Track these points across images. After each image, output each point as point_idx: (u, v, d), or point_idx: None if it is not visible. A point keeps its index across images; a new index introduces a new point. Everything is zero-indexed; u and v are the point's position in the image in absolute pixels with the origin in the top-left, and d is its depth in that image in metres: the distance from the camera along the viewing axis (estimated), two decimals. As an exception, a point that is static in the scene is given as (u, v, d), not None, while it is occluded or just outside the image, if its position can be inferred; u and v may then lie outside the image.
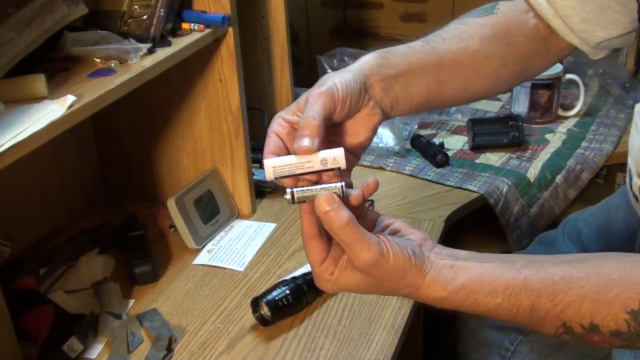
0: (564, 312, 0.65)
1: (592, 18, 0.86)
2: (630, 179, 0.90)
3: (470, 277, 0.67)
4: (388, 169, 1.37)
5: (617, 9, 0.85)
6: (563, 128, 1.48)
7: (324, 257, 0.67)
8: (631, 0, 0.84)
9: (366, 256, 0.64)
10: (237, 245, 1.17)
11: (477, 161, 1.38)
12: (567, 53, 0.92)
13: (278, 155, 0.66)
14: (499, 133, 1.41)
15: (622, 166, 1.42)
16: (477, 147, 1.41)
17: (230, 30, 1.09)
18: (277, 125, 0.69)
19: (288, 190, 0.64)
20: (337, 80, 0.69)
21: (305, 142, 0.64)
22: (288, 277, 1.03)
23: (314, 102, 0.67)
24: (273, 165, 0.64)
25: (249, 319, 0.99)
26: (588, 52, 0.90)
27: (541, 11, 0.87)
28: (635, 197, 0.90)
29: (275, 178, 0.64)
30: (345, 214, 0.63)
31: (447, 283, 0.67)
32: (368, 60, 0.75)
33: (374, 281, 0.66)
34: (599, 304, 0.65)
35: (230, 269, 1.11)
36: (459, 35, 0.85)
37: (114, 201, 1.31)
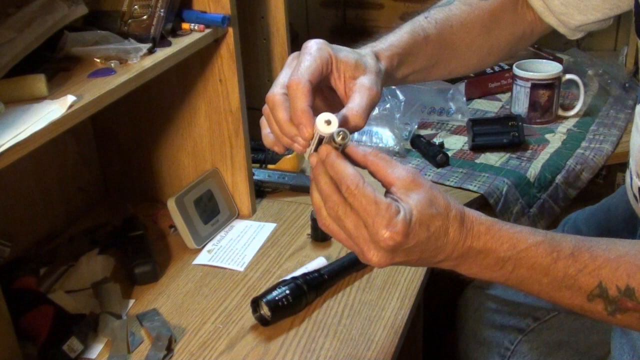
0: (601, 269, 0.64)
1: (572, 2, 0.87)
2: (631, 179, 0.90)
3: (508, 222, 0.67)
4: (388, 169, 1.37)
5: None
6: (563, 128, 1.48)
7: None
8: None
9: (408, 167, 0.65)
10: (237, 245, 1.17)
11: (477, 161, 1.38)
12: (545, 33, 0.95)
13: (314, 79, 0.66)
14: (499, 133, 1.41)
15: (622, 166, 1.42)
16: (477, 147, 1.41)
17: (230, 30, 1.09)
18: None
19: (339, 131, 0.63)
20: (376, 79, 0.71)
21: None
22: (288, 277, 1.03)
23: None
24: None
25: (249, 319, 0.99)
26: (565, 33, 0.93)
27: None
28: (635, 197, 0.90)
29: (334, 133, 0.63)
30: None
31: (488, 216, 0.66)
32: (387, 65, 0.77)
33: (427, 194, 0.63)
34: (636, 267, 0.64)
35: (230, 269, 1.11)
36: (463, 22, 0.87)
37: (114, 201, 1.31)
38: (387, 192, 0.65)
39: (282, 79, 0.68)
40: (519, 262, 0.65)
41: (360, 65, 0.70)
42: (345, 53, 0.70)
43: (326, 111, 0.70)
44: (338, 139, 0.63)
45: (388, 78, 0.77)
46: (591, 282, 0.65)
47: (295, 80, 0.65)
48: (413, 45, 0.81)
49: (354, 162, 0.65)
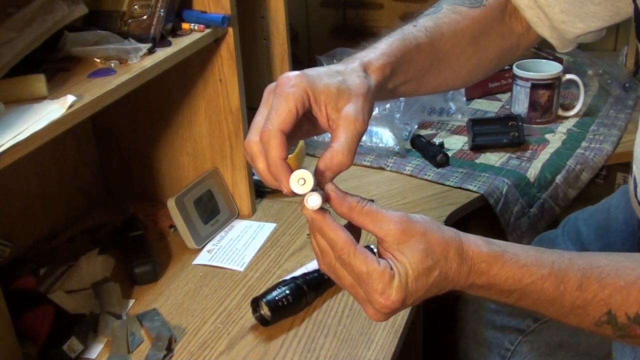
0: (611, 297, 0.63)
1: (572, 9, 0.86)
2: (635, 186, 0.89)
3: (513, 246, 0.64)
4: (388, 169, 1.37)
5: (597, 0, 0.85)
6: (563, 128, 1.48)
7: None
8: None
9: (395, 216, 0.62)
10: (237, 245, 1.17)
11: (477, 161, 1.37)
12: (532, 46, 0.94)
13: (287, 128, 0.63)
14: (499, 133, 1.41)
15: (622, 166, 1.42)
16: (477, 147, 1.41)
17: (230, 30, 1.09)
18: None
19: (313, 197, 0.61)
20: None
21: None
22: (288, 277, 1.03)
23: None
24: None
25: (249, 319, 0.99)
26: (557, 45, 0.91)
27: (515, 1, 0.87)
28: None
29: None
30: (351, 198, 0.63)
31: (491, 242, 0.64)
32: (378, 76, 0.72)
33: (421, 244, 0.61)
34: None
35: (230, 269, 1.11)
36: (453, 31, 0.84)
37: (114, 201, 1.31)
38: (380, 246, 0.63)
39: (258, 122, 0.65)
40: (524, 295, 0.64)
41: (344, 92, 0.65)
42: (325, 81, 0.65)
43: (317, 132, 0.70)
44: (312, 206, 0.61)
45: (379, 91, 0.73)
46: (599, 310, 0.63)
47: (266, 132, 0.62)
48: (405, 52, 0.77)
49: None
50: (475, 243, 0.64)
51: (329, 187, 0.63)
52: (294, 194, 0.62)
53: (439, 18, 0.84)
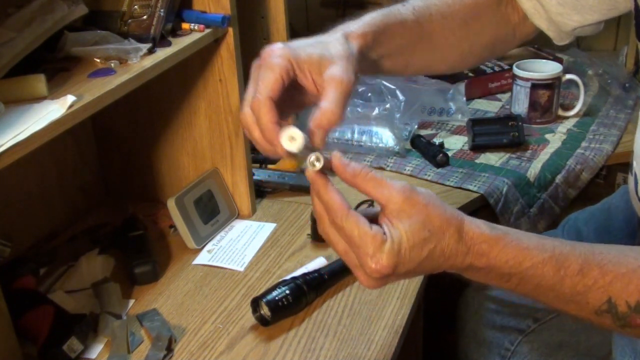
0: (612, 284, 0.62)
1: (569, 2, 0.87)
2: (636, 183, 0.89)
3: (515, 231, 0.64)
4: (388, 169, 1.37)
5: None
6: (563, 128, 1.48)
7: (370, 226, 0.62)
8: None
9: (399, 184, 0.63)
10: (237, 245, 1.17)
11: (477, 161, 1.37)
12: (530, 37, 0.94)
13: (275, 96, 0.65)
14: (499, 133, 1.41)
15: (622, 166, 1.42)
16: (477, 147, 1.41)
17: (230, 30, 1.09)
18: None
19: (314, 157, 0.63)
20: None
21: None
22: (288, 277, 1.03)
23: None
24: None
25: (249, 319, 0.99)
26: (554, 37, 0.92)
27: None
28: None
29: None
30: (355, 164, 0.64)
31: (493, 226, 0.64)
32: (360, 42, 0.74)
33: (421, 215, 0.62)
34: None
35: (230, 269, 1.11)
36: (443, 12, 0.86)
37: (114, 201, 1.31)
38: (381, 212, 0.64)
39: (249, 95, 0.68)
40: (523, 279, 0.64)
41: (326, 58, 0.68)
42: (308, 50, 0.68)
43: (308, 102, 0.71)
44: (313, 167, 0.63)
45: (363, 59, 0.74)
46: (600, 298, 0.63)
47: (255, 101, 0.65)
48: (387, 24, 0.79)
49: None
50: (477, 225, 0.64)
51: (334, 154, 0.64)
52: (289, 155, 0.64)
53: (430, 0, 0.86)
